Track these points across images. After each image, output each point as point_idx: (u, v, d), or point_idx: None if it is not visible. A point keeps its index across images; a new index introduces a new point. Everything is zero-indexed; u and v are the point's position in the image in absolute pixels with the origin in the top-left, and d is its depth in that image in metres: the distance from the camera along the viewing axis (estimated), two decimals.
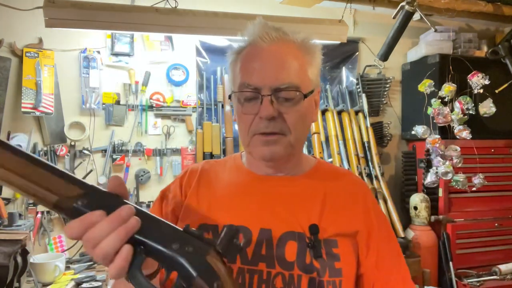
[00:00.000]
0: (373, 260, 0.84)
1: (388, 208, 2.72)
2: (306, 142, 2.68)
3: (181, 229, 0.59)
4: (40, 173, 0.55)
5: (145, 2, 2.37)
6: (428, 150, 2.67)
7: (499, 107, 2.60)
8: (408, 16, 2.36)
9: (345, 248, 0.82)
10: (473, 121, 2.60)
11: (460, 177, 2.53)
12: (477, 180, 2.56)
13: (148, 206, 2.53)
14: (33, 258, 2.01)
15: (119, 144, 2.54)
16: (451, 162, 2.53)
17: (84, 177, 2.45)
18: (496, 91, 2.67)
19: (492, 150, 2.83)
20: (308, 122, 0.88)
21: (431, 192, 2.76)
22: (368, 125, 2.87)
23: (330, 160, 2.74)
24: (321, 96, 2.84)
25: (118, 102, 2.55)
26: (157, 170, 2.61)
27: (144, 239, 0.56)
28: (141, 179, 2.56)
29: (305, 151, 2.71)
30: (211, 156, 2.59)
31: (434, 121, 2.60)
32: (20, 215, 2.18)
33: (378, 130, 2.98)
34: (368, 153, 2.82)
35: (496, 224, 2.79)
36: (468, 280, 2.55)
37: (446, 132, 2.63)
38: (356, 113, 2.91)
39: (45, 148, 2.41)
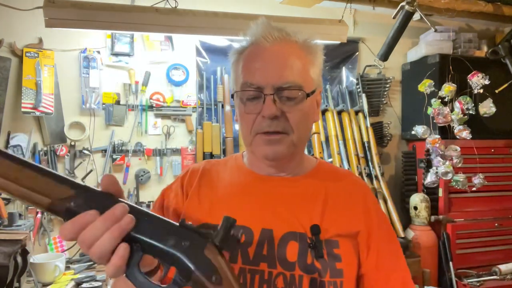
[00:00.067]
0: (373, 260, 0.84)
1: (388, 208, 2.72)
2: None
3: (177, 224, 0.59)
4: (31, 176, 0.55)
5: (145, 2, 2.37)
6: (428, 150, 2.67)
7: (499, 107, 2.60)
8: (408, 16, 2.36)
9: (346, 248, 0.82)
10: (473, 121, 2.60)
11: (460, 177, 2.53)
12: (477, 180, 2.56)
13: (148, 206, 2.53)
14: (33, 258, 2.01)
15: (119, 144, 2.53)
16: (451, 162, 2.53)
17: (84, 177, 2.45)
18: (496, 91, 2.68)
19: (492, 150, 2.83)
20: (310, 121, 0.88)
21: (431, 192, 2.76)
22: (368, 125, 2.87)
23: (330, 160, 2.74)
24: (321, 96, 2.84)
25: (118, 102, 2.55)
26: (157, 170, 2.61)
27: (140, 236, 0.56)
28: (141, 179, 2.56)
29: (305, 151, 2.71)
30: (211, 156, 2.59)
31: (434, 121, 2.60)
32: (20, 215, 2.18)
33: (378, 130, 2.98)
34: (368, 153, 2.82)
35: (496, 224, 2.79)
36: (468, 280, 2.55)
37: (446, 132, 2.63)
38: (356, 113, 2.91)
39: (45, 148, 2.41)
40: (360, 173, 2.76)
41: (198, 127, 2.63)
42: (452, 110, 2.59)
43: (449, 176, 2.52)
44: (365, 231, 0.85)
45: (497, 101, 2.61)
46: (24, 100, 2.30)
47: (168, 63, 2.63)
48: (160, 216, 0.59)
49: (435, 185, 2.64)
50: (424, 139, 2.64)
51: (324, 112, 2.83)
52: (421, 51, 2.91)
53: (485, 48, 2.99)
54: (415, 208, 2.72)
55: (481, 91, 2.56)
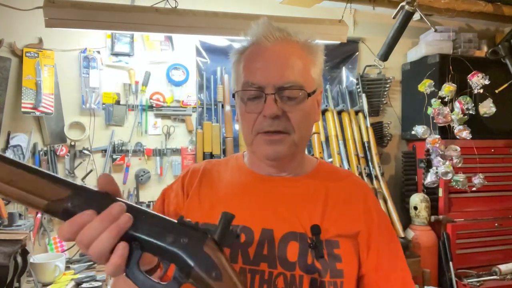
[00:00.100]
0: (373, 260, 0.84)
1: (388, 208, 2.72)
2: None
3: (176, 221, 0.59)
4: (27, 178, 0.55)
5: (145, 2, 2.37)
6: (428, 150, 2.67)
7: (499, 107, 2.60)
8: (408, 16, 2.36)
9: (346, 249, 0.82)
10: (473, 121, 2.60)
11: (460, 177, 2.53)
12: (477, 180, 2.56)
13: (148, 206, 2.53)
14: (33, 258, 2.01)
15: (119, 144, 2.53)
16: (451, 162, 2.53)
17: (84, 177, 2.46)
18: (496, 91, 2.67)
19: (492, 150, 2.83)
20: (311, 121, 0.88)
21: (431, 192, 2.76)
22: (368, 125, 2.87)
23: (330, 160, 2.74)
24: (322, 96, 2.84)
25: (118, 102, 2.55)
26: (157, 170, 2.61)
27: (138, 234, 0.56)
28: (141, 179, 2.56)
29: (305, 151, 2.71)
30: (211, 156, 2.58)
31: (434, 121, 2.60)
32: (20, 215, 2.17)
33: (378, 130, 2.98)
34: (368, 153, 2.82)
35: (496, 224, 2.79)
36: (468, 280, 2.55)
37: (446, 132, 2.63)
38: (356, 113, 2.91)
39: (45, 148, 2.41)
40: (360, 173, 2.76)
41: (198, 127, 2.63)
42: (452, 110, 2.59)
43: (449, 176, 2.52)
44: (365, 231, 0.85)
45: (497, 101, 2.61)
46: (24, 100, 2.30)
47: (168, 63, 2.63)
48: (158, 214, 0.59)
49: (435, 185, 2.64)
50: (424, 139, 2.64)
51: (324, 112, 2.83)
52: (421, 51, 2.91)
53: (485, 48, 2.99)
54: (415, 208, 2.72)
55: (481, 91, 2.56)
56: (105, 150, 2.52)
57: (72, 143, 2.47)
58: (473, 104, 2.55)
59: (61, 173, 2.44)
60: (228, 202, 0.87)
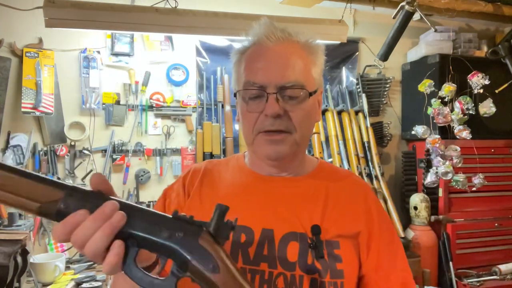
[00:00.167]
0: (373, 261, 0.84)
1: (388, 208, 2.72)
2: None
3: (170, 216, 0.59)
4: (18, 182, 0.55)
5: (145, 2, 2.37)
6: (428, 150, 2.67)
7: (499, 107, 2.60)
8: (408, 16, 2.36)
9: (346, 249, 0.82)
10: (473, 121, 2.60)
11: (460, 177, 2.53)
12: (477, 180, 2.56)
13: (148, 206, 2.53)
14: (33, 258, 2.01)
15: (119, 144, 2.53)
16: (451, 162, 2.53)
17: (84, 177, 2.46)
18: (496, 91, 2.67)
19: (492, 150, 2.83)
20: (312, 121, 0.88)
21: (431, 192, 2.76)
22: (368, 125, 2.87)
23: (330, 160, 2.74)
24: (322, 96, 2.84)
25: (118, 102, 2.55)
26: (157, 170, 2.61)
27: (133, 231, 0.56)
28: (141, 179, 2.56)
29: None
30: (211, 156, 2.58)
31: (434, 121, 2.60)
32: (20, 215, 2.17)
33: (378, 130, 2.98)
34: (368, 153, 2.82)
35: (496, 224, 2.79)
36: (468, 280, 2.55)
37: (446, 132, 2.63)
38: (356, 113, 2.91)
39: (45, 148, 2.41)
40: (360, 173, 2.76)
41: (198, 127, 2.63)
42: (452, 110, 2.59)
43: (449, 176, 2.52)
44: (366, 231, 0.85)
45: (497, 101, 2.61)
46: (24, 100, 2.30)
47: (168, 63, 2.63)
48: (153, 210, 0.59)
49: (435, 185, 2.63)
50: (424, 139, 2.64)
51: (324, 112, 2.83)
52: (421, 51, 2.91)
53: (485, 48, 2.99)
54: (415, 208, 2.72)
55: (481, 91, 2.56)
56: (105, 150, 2.52)
57: (72, 143, 2.47)
58: (473, 104, 2.55)
59: (61, 173, 2.44)
60: (228, 202, 0.86)
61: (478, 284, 2.52)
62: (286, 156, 0.84)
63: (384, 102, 3.04)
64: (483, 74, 2.54)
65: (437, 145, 2.54)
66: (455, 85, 2.57)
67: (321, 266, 0.79)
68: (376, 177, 2.79)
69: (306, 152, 0.95)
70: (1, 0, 2.31)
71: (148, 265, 0.63)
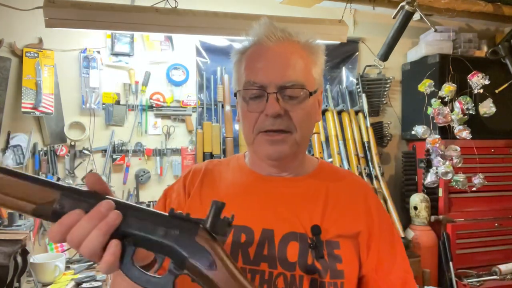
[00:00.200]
0: (373, 261, 0.84)
1: (388, 208, 2.72)
2: None
3: (167, 214, 0.59)
4: (12, 183, 0.55)
5: (145, 2, 2.37)
6: (428, 150, 2.67)
7: (499, 107, 2.60)
8: (408, 16, 2.36)
9: (347, 249, 0.82)
10: (473, 121, 2.60)
11: (460, 177, 2.53)
12: (477, 180, 2.56)
13: (148, 206, 2.53)
14: (33, 258, 2.01)
15: (119, 144, 2.53)
16: (451, 162, 2.53)
17: (84, 177, 2.45)
18: (496, 91, 2.68)
19: (492, 150, 2.83)
20: (312, 121, 0.88)
21: (431, 192, 2.76)
22: (368, 125, 2.87)
23: (330, 160, 2.74)
24: (322, 96, 2.85)
25: (118, 102, 2.55)
26: (157, 170, 2.61)
27: (129, 230, 0.56)
28: (141, 179, 2.56)
29: None
30: (211, 156, 2.58)
31: (434, 121, 2.60)
32: (20, 215, 2.17)
33: (378, 130, 2.98)
34: (368, 153, 2.83)
35: (496, 224, 2.79)
36: (468, 280, 2.55)
37: (446, 132, 2.63)
38: (356, 113, 2.91)
39: (45, 148, 2.41)
40: (360, 173, 2.76)
41: (198, 127, 2.63)
42: (452, 110, 2.59)
43: (449, 176, 2.52)
44: (366, 231, 0.85)
45: (497, 101, 2.61)
46: (24, 100, 2.30)
47: (168, 63, 2.63)
48: (149, 208, 0.59)
49: (435, 185, 2.64)
50: (424, 139, 2.64)
51: (324, 112, 2.83)
52: (421, 51, 2.91)
53: (485, 48, 2.99)
54: (415, 208, 2.72)
55: (481, 91, 2.56)
56: (105, 150, 2.52)
57: (72, 143, 2.47)
58: (473, 104, 2.55)
59: (61, 173, 2.44)
60: (229, 202, 0.86)
61: (478, 284, 2.52)
62: (286, 156, 0.84)
63: (384, 102, 3.04)
64: (483, 74, 2.55)
65: (437, 145, 2.54)
66: (455, 85, 2.58)
67: (321, 266, 0.79)
68: (376, 177, 2.79)
69: (306, 152, 0.95)
70: (1, 0, 2.31)
71: (146, 264, 0.64)
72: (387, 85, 2.99)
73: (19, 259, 1.76)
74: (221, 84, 2.70)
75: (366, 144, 2.84)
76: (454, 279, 2.53)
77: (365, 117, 2.88)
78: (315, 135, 2.75)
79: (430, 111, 2.61)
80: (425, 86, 2.60)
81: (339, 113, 2.88)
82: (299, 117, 0.82)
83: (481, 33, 3.22)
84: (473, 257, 2.74)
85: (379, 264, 0.84)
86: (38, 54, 2.34)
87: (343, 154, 2.79)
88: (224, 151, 2.63)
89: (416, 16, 2.40)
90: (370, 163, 2.81)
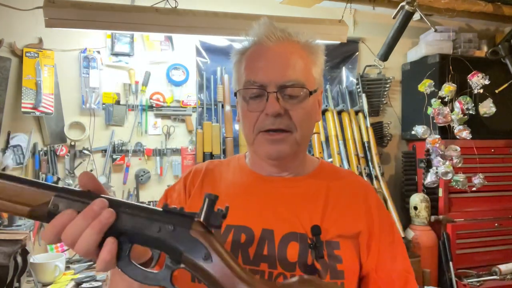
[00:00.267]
0: (374, 261, 0.83)
1: (388, 208, 2.72)
2: None
3: (161, 209, 0.59)
4: (6, 187, 0.56)
5: (145, 2, 2.37)
6: (428, 150, 2.67)
7: (499, 107, 2.60)
8: (408, 16, 2.36)
9: (347, 250, 0.82)
10: (473, 121, 2.60)
11: (460, 177, 2.53)
12: (477, 180, 2.56)
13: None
14: (33, 258, 2.01)
15: (119, 144, 2.53)
16: (451, 162, 2.53)
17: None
18: (496, 91, 2.68)
19: (492, 150, 2.83)
20: (312, 120, 0.88)
21: (431, 192, 2.76)
22: (368, 125, 2.87)
23: (330, 160, 2.74)
24: (322, 96, 2.84)
25: (118, 102, 2.55)
26: (157, 170, 2.61)
27: (124, 227, 0.57)
28: (141, 179, 2.56)
29: None
30: (211, 156, 2.59)
31: (434, 121, 2.60)
32: None
33: (378, 130, 2.98)
34: (368, 153, 2.82)
35: (496, 224, 2.79)
36: (468, 280, 2.55)
37: (446, 132, 2.63)
38: (356, 113, 2.91)
39: (45, 148, 2.41)
40: (360, 173, 2.76)
41: (198, 127, 2.63)
42: (452, 110, 2.59)
43: (449, 176, 2.52)
44: (366, 231, 0.84)
45: (497, 101, 2.61)
46: (24, 100, 2.29)
47: (168, 63, 2.63)
48: (143, 205, 0.60)
49: (435, 185, 2.64)
50: (424, 139, 2.64)
51: (324, 112, 2.83)
52: (421, 51, 2.91)
53: (485, 48, 2.99)
54: (415, 208, 2.72)
55: (481, 91, 2.56)
56: (105, 150, 2.52)
57: (72, 143, 2.47)
58: (473, 104, 2.55)
59: (61, 173, 2.44)
60: (229, 202, 0.86)
61: (478, 284, 2.52)
62: (286, 155, 0.84)
63: (384, 102, 3.04)
64: (483, 74, 2.54)
65: (437, 145, 2.54)
66: (455, 85, 2.57)
67: (321, 266, 0.78)
68: (376, 177, 2.79)
69: (307, 152, 0.95)
70: (1, 0, 2.31)
71: (145, 260, 0.64)
72: (387, 85, 2.99)
73: (19, 259, 1.76)
74: (221, 84, 2.70)
75: (366, 144, 2.84)
76: (454, 279, 2.53)
77: (365, 117, 2.88)
78: (315, 135, 2.75)
79: (430, 111, 2.61)
80: (425, 86, 2.60)
81: (339, 113, 2.88)
82: (299, 117, 0.82)
83: (481, 33, 3.22)
84: (473, 257, 2.74)
85: (379, 264, 0.83)
86: (38, 54, 2.34)
87: (343, 154, 2.79)
88: (224, 151, 2.63)
89: (416, 16, 2.40)
90: (370, 163, 2.81)
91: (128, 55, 2.56)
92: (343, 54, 3.01)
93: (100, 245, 0.55)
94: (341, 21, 2.60)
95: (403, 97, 3.14)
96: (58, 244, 2.36)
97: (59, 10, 2.09)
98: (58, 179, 2.40)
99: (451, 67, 2.67)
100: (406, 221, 2.84)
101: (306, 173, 0.92)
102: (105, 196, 0.58)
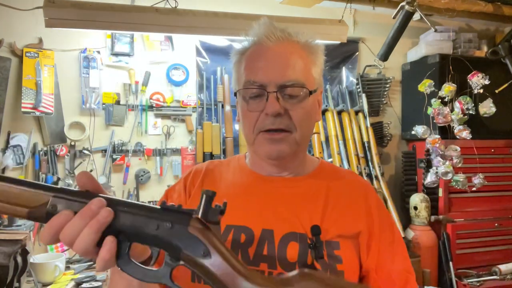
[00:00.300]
0: (373, 261, 0.83)
1: (388, 208, 2.72)
2: None
3: (159, 207, 0.59)
4: (4, 189, 0.56)
5: (145, 2, 2.37)
6: (428, 150, 2.67)
7: (499, 107, 2.60)
8: (408, 16, 2.36)
9: (347, 250, 0.81)
10: (473, 121, 2.60)
11: (460, 177, 2.53)
12: (477, 180, 2.56)
13: None
14: (33, 258, 2.01)
15: (119, 144, 2.53)
16: (451, 162, 2.53)
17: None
18: (496, 91, 2.68)
19: (492, 150, 2.83)
20: (312, 120, 0.89)
21: (431, 192, 2.76)
22: (368, 125, 2.87)
23: (330, 160, 2.74)
24: (322, 96, 2.84)
25: (118, 102, 2.55)
26: (157, 170, 2.61)
27: (122, 226, 0.57)
28: (141, 179, 2.56)
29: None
30: (211, 156, 2.58)
31: (434, 121, 2.60)
32: None
33: (378, 130, 2.98)
34: (368, 153, 2.82)
35: (496, 224, 2.79)
36: (468, 280, 2.55)
37: (446, 132, 2.63)
38: (356, 113, 2.91)
39: (45, 148, 2.41)
40: (360, 173, 2.76)
41: (198, 127, 2.63)
42: (452, 110, 2.59)
43: (449, 176, 2.52)
44: (366, 231, 0.84)
45: (497, 101, 2.61)
46: (24, 100, 2.29)
47: (168, 63, 2.63)
48: (140, 203, 0.60)
49: (435, 185, 2.63)
50: (424, 139, 2.64)
51: (324, 112, 2.83)
52: (421, 51, 2.91)
53: (485, 48, 2.99)
54: (415, 208, 2.72)
55: (481, 91, 2.56)
56: (105, 150, 2.52)
57: (72, 143, 2.47)
58: (473, 104, 2.55)
59: (61, 173, 2.44)
60: (229, 203, 0.87)
61: (478, 284, 2.52)
62: (286, 155, 0.84)
63: (384, 102, 3.04)
64: (483, 74, 2.54)
65: (437, 145, 2.54)
66: (455, 85, 2.57)
67: (320, 266, 0.78)
68: (376, 177, 2.79)
69: (306, 152, 0.95)
70: (1, 0, 2.31)
71: (144, 259, 0.64)
72: (387, 85, 2.99)
73: (19, 259, 1.76)
74: (221, 84, 2.70)
75: (366, 144, 2.84)
76: (454, 279, 2.53)
77: (365, 117, 2.88)
78: (315, 135, 2.75)
79: (430, 111, 2.61)
80: (425, 86, 2.60)
81: (339, 113, 2.88)
82: (299, 116, 0.82)
83: (481, 33, 3.22)
84: (473, 257, 2.74)
85: (379, 264, 0.83)
86: (38, 54, 2.34)
87: (343, 154, 2.79)
88: (224, 151, 2.63)
89: (416, 16, 2.40)
90: (370, 163, 2.81)
91: (128, 55, 2.56)
92: (343, 54, 3.01)
93: (99, 244, 0.56)
94: (341, 21, 2.60)
95: (403, 97, 3.14)
96: (58, 244, 2.36)
97: (59, 10, 2.09)
98: (58, 179, 2.40)
99: (451, 67, 2.67)
100: (406, 221, 2.84)
101: (306, 173, 0.92)
102: (103, 195, 0.59)
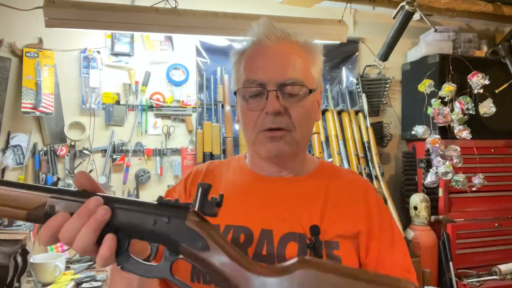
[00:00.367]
0: (373, 260, 0.83)
1: (388, 208, 2.72)
2: None
3: (155, 202, 0.60)
4: (2, 193, 0.57)
5: (145, 2, 2.37)
6: (428, 150, 2.67)
7: (499, 107, 2.60)
8: (408, 16, 2.36)
9: (346, 250, 0.81)
10: (473, 121, 2.60)
11: (460, 177, 2.53)
12: (477, 180, 2.56)
13: None
14: (33, 258, 2.01)
15: (119, 144, 2.54)
16: (451, 162, 2.53)
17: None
18: (496, 91, 2.68)
19: (492, 150, 2.83)
20: (312, 119, 0.89)
21: (431, 192, 2.76)
22: (368, 125, 2.87)
23: (330, 160, 2.74)
24: (321, 96, 2.84)
25: (118, 102, 2.55)
26: (157, 170, 2.61)
27: (120, 223, 0.58)
28: (141, 179, 2.56)
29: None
30: (211, 156, 2.59)
31: (434, 121, 2.60)
32: None
33: (378, 130, 2.98)
34: (368, 153, 2.82)
35: (496, 224, 2.79)
36: (468, 280, 2.55)
37: (446, 132, 2.63)
38: (356, 113, 2.91)
39: (45, 148, 2.41)
40: (360, 173, 2.76)
41: (198, 127, 2.63)
42: (452, 110, 2.59)
43: (449, 176, 2.52)
44: (366, 231, 0.84)
45: (497, 101, 2.61)
46: (24, 100, 2.30)
47: (168, 63, 2.63)
48: (137, 199, 0.60)
49: (435, 185, 2.63)
50: (424, 139, 2.64)
51: (324, 112, 2.83)
52: (421, 51, 2.91)
53: (485, 48, 2.99)
54: (415, 208, 2.72)
55: (481, 91, 2.56)
56: (105, 150, 2.53)
57: (72, 143, 2.47)
58: (473, 104, 2.55)
59: (61, 173, 2.44)
60: (228, 203, 0.86)
61: (478, 284, 2.52)
62: (286, 154, 0.84)
63: (384, 102, 3.04)
64: (483, 74, 2.54)
65: (437, 145, 2.54)
66: (455, 85, 2.57)
67: None
68: (376, 177, 2.79)
69: (306, 152, 0.95)
70: (1, 0, 2.31)
71: (144, 257, 0.64)
72: (387, 85, 2.99)
73: (19, 259, 1.76)
74: (221, 84, 2.70)
75: (366, 144, 2.84)
76: (454, 279, 2.53)
77: (365, 117, 2.88)
78: (315, 135, 2.75)
79: (430, 111, 2.61)
80: (425, 86, 2.60)
81: (339, 113, 2.88)
82: (299, 115, 0.82)
83: (481, 33, 3.22)
84: (473, 257, 2.74)
85: (379, 263, 0.83)
86: (38, 54, 2.34)
87: (343, 154, 2.79)
88: (224, 151, 2.63)
89: (416, 16, 2.40)
90: (370, 163, 2.81)
91: (128, 55, 2.56)
92: (343, 54, 3.01)
93: (99, 242, 0.56)
94: (341, 21, 2.60)
95: (403, 97, 3.14)
96: (58, 244, 2.36)
97: (59, 10, 2.09)
98: (58, 179, 2.40)
99: (451, 67, 2.67)
100: (406, 221, 2.84)
101: (306, 172, 0.92)
102: (100, 194, 0.59)
